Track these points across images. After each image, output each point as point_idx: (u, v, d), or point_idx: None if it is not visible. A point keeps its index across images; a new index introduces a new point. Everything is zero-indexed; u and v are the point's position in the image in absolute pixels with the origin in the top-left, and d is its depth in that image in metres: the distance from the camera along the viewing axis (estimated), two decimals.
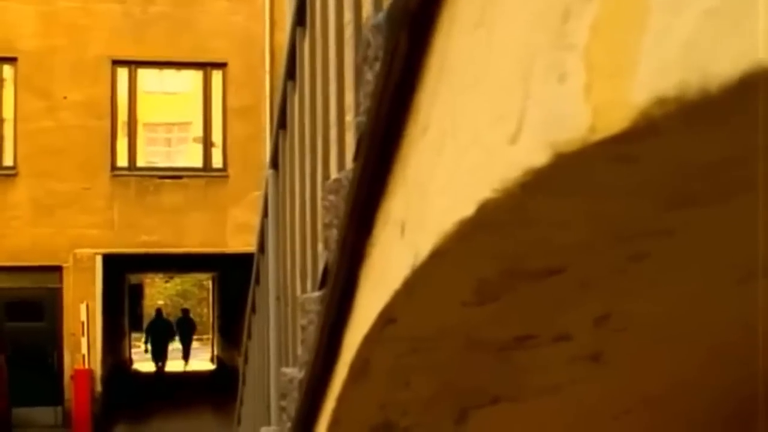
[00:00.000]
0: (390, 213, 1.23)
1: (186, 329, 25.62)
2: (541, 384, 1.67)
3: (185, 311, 27.07)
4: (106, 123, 14.65)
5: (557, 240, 1.04)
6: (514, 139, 0.81)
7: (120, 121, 14.90)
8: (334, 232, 1.67)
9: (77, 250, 14.45)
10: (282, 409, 2.28)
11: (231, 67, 15.14)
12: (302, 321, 1.99)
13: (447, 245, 1.03)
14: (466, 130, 0.94)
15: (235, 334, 19.95)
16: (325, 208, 1.72)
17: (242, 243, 14.89)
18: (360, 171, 1.30)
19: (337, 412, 1.66)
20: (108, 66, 14.68)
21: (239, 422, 4.85)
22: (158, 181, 14.83)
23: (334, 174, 2.12)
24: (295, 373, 2.16)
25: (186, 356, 25.28)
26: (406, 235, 1.16)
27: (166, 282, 32.87)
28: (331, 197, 1.68)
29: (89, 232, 14.46)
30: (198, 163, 15.24)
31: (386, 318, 1.32)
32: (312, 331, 1.91)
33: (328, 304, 1.54)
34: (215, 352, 26.40)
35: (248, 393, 4.20)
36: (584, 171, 0.77)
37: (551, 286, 1.23)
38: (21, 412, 13.88)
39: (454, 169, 0.98)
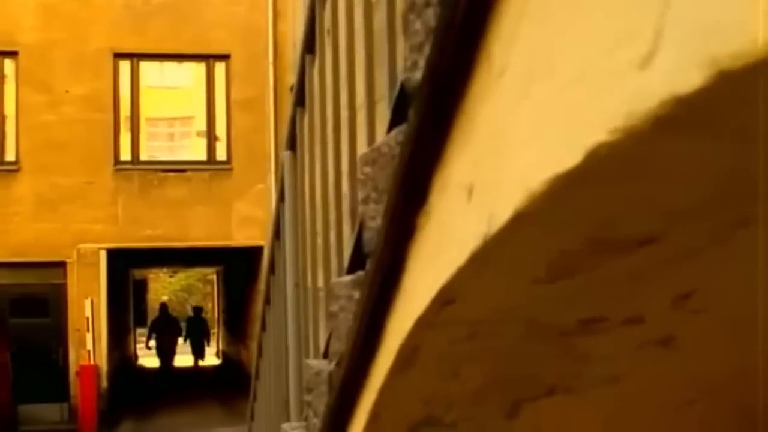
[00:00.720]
0: (451, 176, 1.07)
1: (198, 329, 23.66)
2: (603, 373, 1.51)
3: (197, 309, 25.19)
4: (109, 116, 14.47)
5: (662, 200, 0.87)
6: (645, 63, 0.64)
7: (122, 115, 14.72)
8: (372, 208, 1.50)
9: (81, 245, 14.27)
10: (307, 404, 2.11)
11: (234, 59, 14.95)
12: (332, 307, 1.82)
13: (532, 207, 0.86)
14: (568, 62, 0.77)
15: (241, 328, 19.81)
16: (360, 182, 1.55)
17: (247, 236, 14.76)
18: (413, 131, 1.13)
19: (377, 406, 1.49)
20: (110, 59, 14.50)
21: (252, 418, 4.69)
22: (162, 174, 14.65)
23: (362, 149, 1.95)
24: (322, 365, 2.00)
25: (201, 356, 23.63)
26: (474, 200, 1.00)
27: (171, 277, 32.64)
28: (368, 169, 1.51)
29: (93, 227, 14.29)
30: (202, 156, 15.05)
31: (444, 299, 1.15)
32: (344, 319, 1.75)
33: (369, 286, 1.37)
34: (220, 347, 26.22)
35: (263, 388, 4.03)
36: (743, 96, 0.60)
37: (638, 258, 1.06)
38: (26, 409, 13.71)
39: (548, 112, 0.81)
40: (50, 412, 14.24)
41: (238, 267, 18.75)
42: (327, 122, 2.34)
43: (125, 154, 14.63)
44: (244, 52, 14.91)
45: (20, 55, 14.15)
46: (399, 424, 1.55)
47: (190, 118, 15.57)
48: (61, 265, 14.30)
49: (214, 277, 27.85)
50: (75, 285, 14.29)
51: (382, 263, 1.30)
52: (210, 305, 32.27)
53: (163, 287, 32.75)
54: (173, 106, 15.71)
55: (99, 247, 14.37)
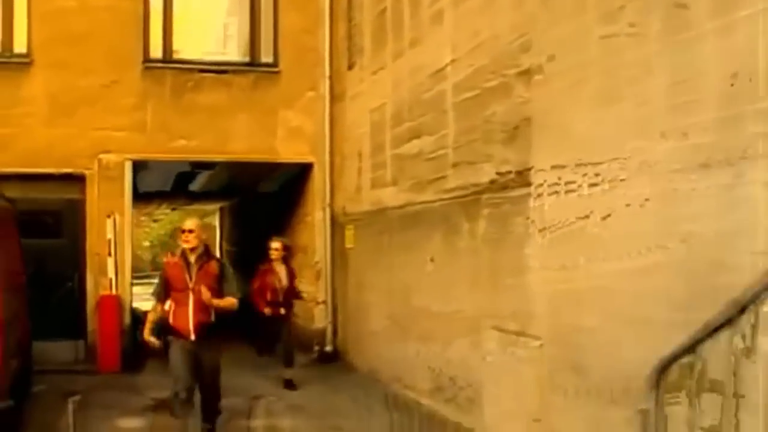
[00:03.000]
0: None
1: None
2: None
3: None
4: (138, 5, 12.31)
5: None
6: None
7: (154, 3, 12.48)
8: None
9: (103, 156, 12.22)
10: None
11: None
12: None
13: None
14: None
15: (249, 272, 17.33)
16: None
17: (294, 151, 12.81)
18: None
19: None
20: None
21: None
22: (198, 76, 12.57)
23: None
24: None
25: None
26: None
27: (154, 221, 30.16)
28: None
29: (117, 135, 12.24)
30: (244, 56, 12.95)
31: None
32: None
33: None
34: None
35: None
36: None
37: None
38: (34, 346, 11.51)
39: None
40: (62, 350, 12.10)
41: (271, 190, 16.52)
42: None
43: (156, 51, 12.50)
44: None
45: None
46: None
47: (233, 11, 13.30)
48: (79, 178, 12.18)
49: (216, 217, 25.44)
50: (95, 201, 12.22)
51: None
52: None
53: (146, 233, 30.23)
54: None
55: (124, 158, 12.32)
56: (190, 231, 7.63)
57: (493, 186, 7.55)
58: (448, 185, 8.64)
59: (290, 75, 12.84)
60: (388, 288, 10.54)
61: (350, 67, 12.42)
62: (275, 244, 10.78)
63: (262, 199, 16.97)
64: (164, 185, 16.91)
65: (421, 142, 9.48)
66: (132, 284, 12.96)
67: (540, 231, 6.62)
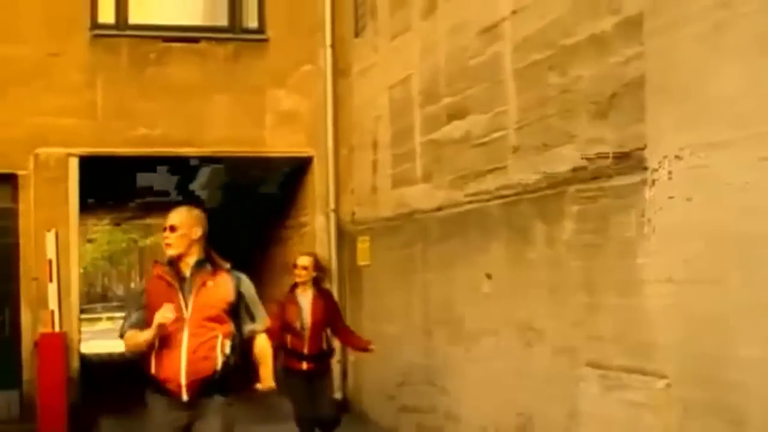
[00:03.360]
0: None
1: None
2: None
3: None
4: None
5: None
6: None
7: None
8: None
9: (41, 150, 12.08)
10: None
11: None
12: None
13: None
14: None
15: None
16: None
17: (287, 142, 12.95)
18: None
19: None
20: None
21: None
22: (162, 45, 12.56)
23: None
24: None
25: None
26: None
27: (89, 242, 29.84)
28: None
29: (59, 122, 12.12)
30: (222, 20, 12.93)
31: None
32: None
33: None
34: None
35: None
36: None
37: None
38: None
39: None
40: None
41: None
42: None
43: (107, 14, 12.46)
44: None
45: None
46: None
47: None
48: (10, 178, 12.07)
49: None
50: (31, 210, 12.04)
51: None
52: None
53: (80, 256, 29.96)
54: None
55: (68, 152, 12.19)
56: (172, 228, 6.09)
57: (579, 175, 7.31)
58: (510, 177, 8.43)
59: (281, 44, 12.88)
60: (422, 316, 10.37)
61: (358, 33, 12.36)
62: (302, 260, 9.35)
63: (242, 206, 16.89)
64: (105, 190, 16.67)
65: (466, 123, 9.31)
66: (80, 319, 12.70)
67: (659, 231, 6.35)
